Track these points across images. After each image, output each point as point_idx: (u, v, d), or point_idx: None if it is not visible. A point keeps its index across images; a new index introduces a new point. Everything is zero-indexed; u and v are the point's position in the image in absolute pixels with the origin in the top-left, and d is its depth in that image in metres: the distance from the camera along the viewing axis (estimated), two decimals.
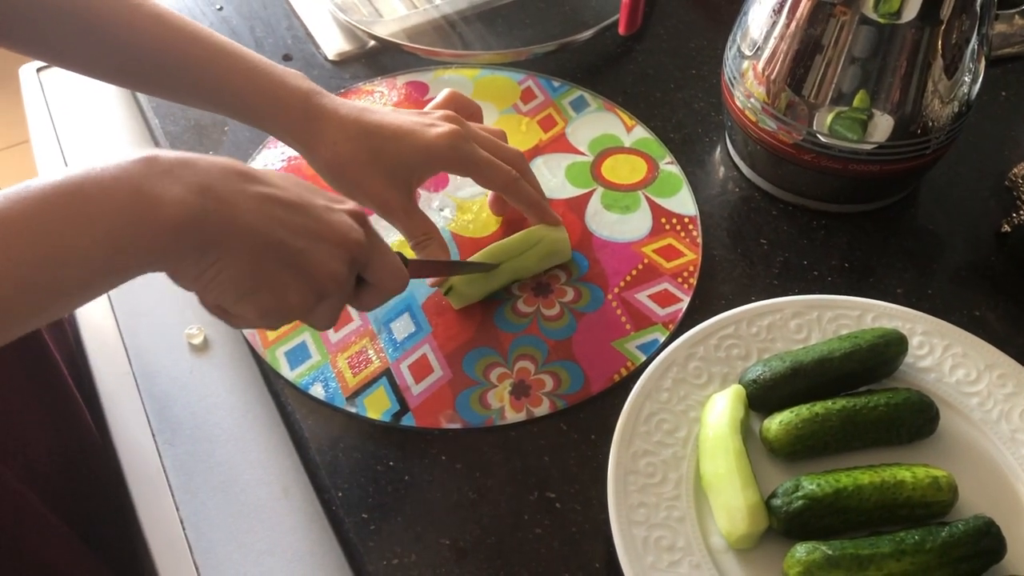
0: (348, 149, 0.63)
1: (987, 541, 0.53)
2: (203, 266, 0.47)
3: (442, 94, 0.71)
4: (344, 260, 0.51)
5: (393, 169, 0.63)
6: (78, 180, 0.43)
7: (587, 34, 0.88)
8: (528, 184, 0.69)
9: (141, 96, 0.85)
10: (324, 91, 0.65)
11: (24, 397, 0.67)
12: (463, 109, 0.70)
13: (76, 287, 0.44)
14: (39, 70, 0.93)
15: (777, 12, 0.69)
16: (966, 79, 0.68)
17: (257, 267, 0.48)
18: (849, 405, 0.59)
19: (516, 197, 0.68)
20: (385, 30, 0.89)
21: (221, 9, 0.93)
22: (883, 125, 0.68)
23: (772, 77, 0.70)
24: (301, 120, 0.63)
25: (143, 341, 0.72)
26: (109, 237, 0.42)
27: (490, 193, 0.74)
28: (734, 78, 0.74)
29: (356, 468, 0.61)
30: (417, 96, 0.84)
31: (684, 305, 0.69)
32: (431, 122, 0.65)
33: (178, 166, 0.45)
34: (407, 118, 0.65)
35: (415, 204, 0.66)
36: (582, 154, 0.79)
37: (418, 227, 0.65)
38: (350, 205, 0.54)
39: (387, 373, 0.65)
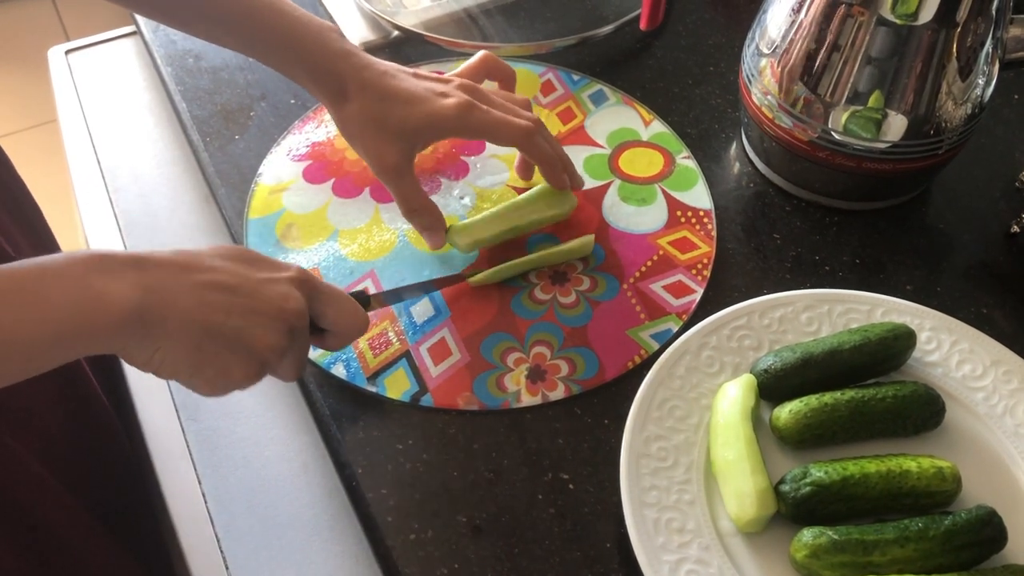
0: (363, 108, 0.67)
1: (989, 530, 0.55)
2: (148, 353, 0.51)
3: (476, 56, 0.73)
4: (281, 330, 0.54)
5: (398, 132, 0.67)
6: (31, 272, 0.46)
7: (607, 29, 0.90)
8: (544, 140, 0.70)
9: (169, 79, 0.86)
10: (355, 51, 0.68)
11: (38, 379, 0.68)
12: (496, 73, 0.73)
13: (18, 369, 0.47)
14: (68, 52, 0.95)
15: (796, 11, 0.70)
16: (980, 81, 0.70)
17: (197, 351, 0.52)
18: (858, 396, 0.60)
19: (531, 152, 0.70)
20: (408, 20, 0.91)
21: None
22: (897, 125, 0.69)
23: (789, 75, 0.71)
24: (330, 77, 0.67)
25: None
26: (56, 328, 0.46)
27: (517, 158, 0.77)
28: (752, 75, 0.75)
29: (376, 446, 0.63)
30: None
31: (698, 296, 0.70)
32: (444, 91, 0.68)
33: (125, 265, 0.49)
34: (422, 85, 0.68)
35: (410, 170, 0.68)
36: (600, 147, 0.81)
37: (408, 193, 0.68)
38: (291, 272, 0.57)
39: (407, 355, 0.67)
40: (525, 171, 0.77)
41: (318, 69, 0.67)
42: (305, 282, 0.57)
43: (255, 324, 0.53)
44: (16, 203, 0.77)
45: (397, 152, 0.67)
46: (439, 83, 0.69)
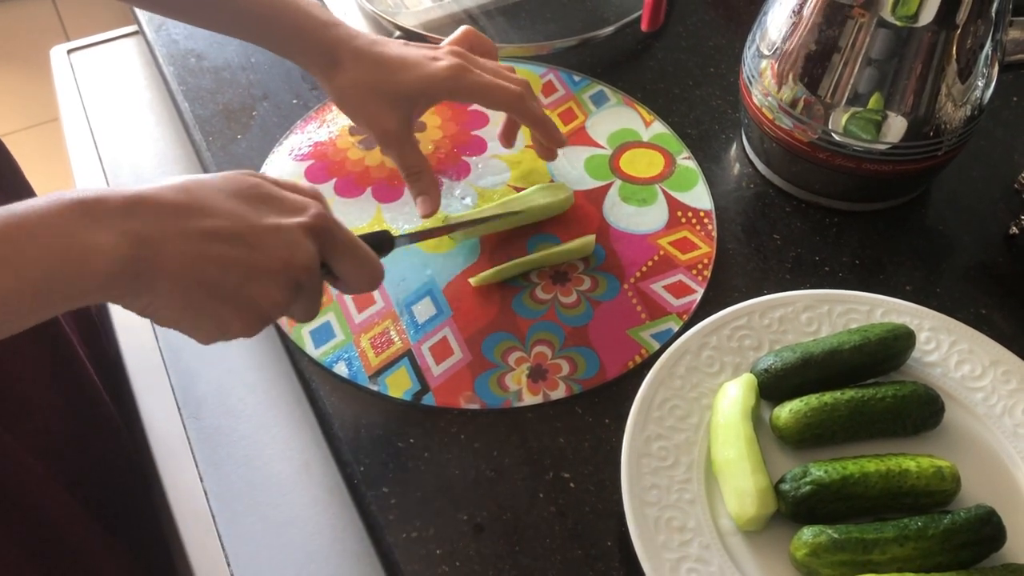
0: (356, 77, 0.67)
1: (988, 529, 0.55)
2: (140, 305, 0.48)
3: (459, 31, 0.74)
4: (284, 285, 0.51)
5: (394, 98, 0.67)
6: (12, 221, 0.43)
7: (608, 30, 0.90)
8: (535, 103, 0.71)
9: (171, 79, 0.86)
10: (341, 22, 0.69)
11: (36, 373, 0.68)
12: (478, 46, 0.74)
13: (2, 324, 0.44)
14: (70, 52, 0.95)
15: (796, 13, 0.71)
16: (979, 83, 0.70)
17: (190, 306, 0.49)
18: (857, 396, 0.60)
19: (522, 114, 0.70)
20: (409, 21, 0.91)
21: None
22: (897, 126, 0.70)
23: (790, 76, 0.72)
24: (319, 49, 0.68)
25: None
26: (36, 283, 0.43)
27: (500, 125, 0.77)
28: (752, 77, 0.75)
29: (377, 444, 0.63)
30: None
31: (698, 296, 0.71)
32: (435, 56, 0.68)
33: (116, 212, 0.45)
34: (414, 51, 0.69)
35: (410, 135, 0.69)
36: (601, 147, 0.81)
37: (410, 157, 0.69)
38: (305, 217, 0.52)
39: (409, 354, 0.67)
40: (508, 136, 0.77)
41: (309, 41, 0.68)
42: (319, 229, 0.53)
43: (255, 279, 0.49)
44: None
45: (397, 118, 0.67)
46: (430, 49, 0.70)
